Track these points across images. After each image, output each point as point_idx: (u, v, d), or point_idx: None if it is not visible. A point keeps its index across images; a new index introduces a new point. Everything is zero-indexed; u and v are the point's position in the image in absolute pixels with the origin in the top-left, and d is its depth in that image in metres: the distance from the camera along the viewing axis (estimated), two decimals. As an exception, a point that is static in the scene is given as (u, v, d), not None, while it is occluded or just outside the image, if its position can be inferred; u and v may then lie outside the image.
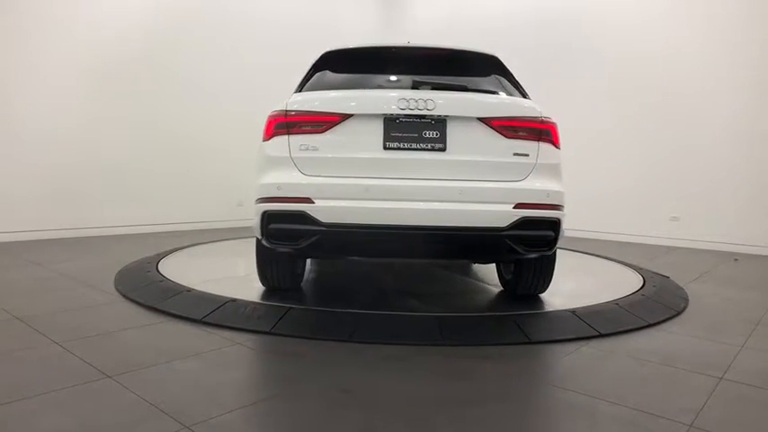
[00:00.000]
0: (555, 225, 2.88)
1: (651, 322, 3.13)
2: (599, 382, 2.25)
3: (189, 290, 3.48)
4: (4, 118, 5.68)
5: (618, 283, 4.05)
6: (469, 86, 3.17)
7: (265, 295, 3.37)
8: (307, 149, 2.86)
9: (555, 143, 2.99)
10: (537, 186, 2.87)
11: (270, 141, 2.96)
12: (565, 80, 7.89)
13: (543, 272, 3.27)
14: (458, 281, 3.96)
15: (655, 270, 4.64)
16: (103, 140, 6.32)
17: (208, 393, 2.05)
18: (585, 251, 5.80)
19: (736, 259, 5.94)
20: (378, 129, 2.84)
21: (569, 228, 6.39)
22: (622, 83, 7.35)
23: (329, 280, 4.12)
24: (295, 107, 2.93)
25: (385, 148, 2.83)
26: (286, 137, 2.90)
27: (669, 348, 2.73)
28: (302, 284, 3.68)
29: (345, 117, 2.86)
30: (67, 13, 6.06)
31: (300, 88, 3.25)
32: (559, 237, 2.94)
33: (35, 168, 5.87)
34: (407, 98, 2.84)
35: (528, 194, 2.83)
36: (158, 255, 4.67)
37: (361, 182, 2.79)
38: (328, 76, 3.30)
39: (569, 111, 7.81)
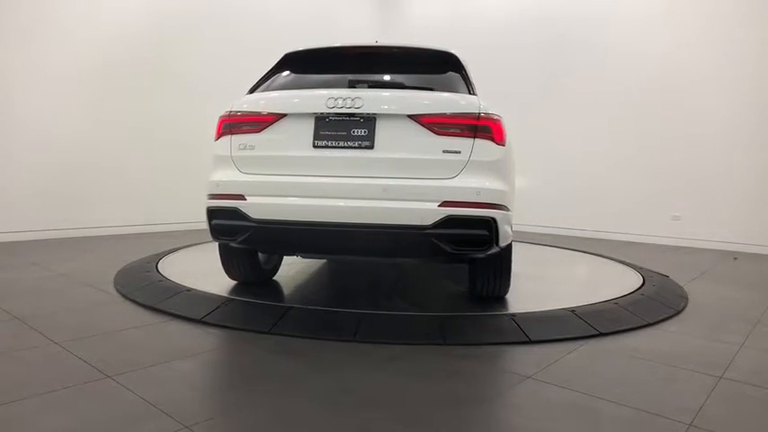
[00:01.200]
0: (488, 224, 2.73)
1: (651, 321, 3.13)
2: (599, 382, 2.25)
3: (188, 289, 3.48)
4: (3, 118, 5.68)
5: (617, 283, 4.05)
6: (415, 84, 3.09)
7: (265, 295, 3.37)
8: (245, 149, 2.97)
9: (496, 140, 2.84)
10: (467, 184, 2.73)
11: (217, 141, 3.10)
12: (565, 79, 7.89)
13: (497, 273, 3.17)
14: (457, 281, 3.96)
15: (654, 269, 4.64)
16: (103, 141, 6.32)
17: (207, 393, 2.05)
18: (586, 250, 5.81)
19: (735, 258, 5.95)
20: (309, 128, 2.89)
21: (571, 227, 6.41)
22: (623, 82, 7.36)
23: (328, 279, 4.12)
24: (237, 108, 3.05)
25: (314, 146, 2.87)
26: (229, 137, 3.03)
27: (669, 347, 2.74)
28: (301, 283, 3.68)
29: (280, 117, 2.93)
30: (67, 13, 6.06)
31: (253, 90, 3.28)
32: (499, 237, 2.78)
33: (34, 168, 5.86)
34: (336, 97, 2.86)
35: (455, 192, 2.72)
36: (158, 254, 4.67)
37: (290, 179, 2.85)
38: (283, 77, 3.35)
39: (569, 109, 7.83)
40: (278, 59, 3.45)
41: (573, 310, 3.10)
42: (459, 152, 2.76)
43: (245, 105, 3.05)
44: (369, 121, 2.84)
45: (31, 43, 5.81)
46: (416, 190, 2.73)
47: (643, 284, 3.91)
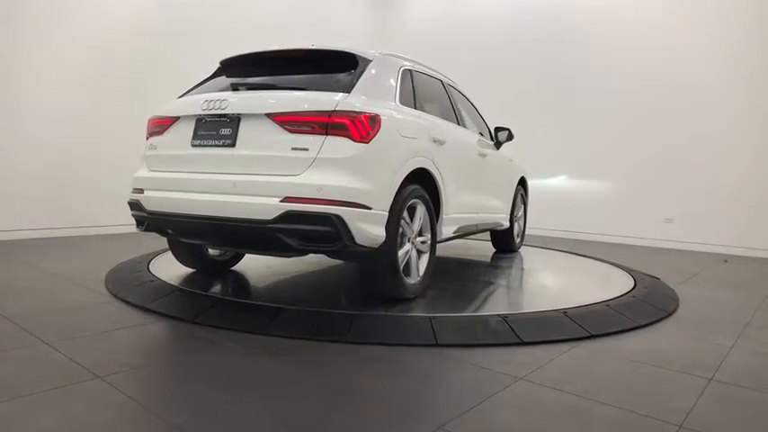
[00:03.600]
0: (330, 221, 2.72)
1: (642, 323, 3.15)
2: (590, 383, 2.26)
3: (180, 290, 3.46)
4: (1, 116, 5.64)
5: (609, 285, 4.07)
6: (304, 84, 3.15)
7: (257, 295, 3.36)
8: (153, 149, 3.35)
9: (354, 137, 2.82)
10: (309, 181, 2.76)
11: (146, 142, 3.45)
12: (559, 83, 7.93)
13: (379, 272, 3.12)
14: (449, 283, 3.96)
15: (646, 271, 4.66)
16: (95, 140, 6.27)
17: (198, 394, 2.04)
18: (577, 252, 5.83)
19: (725, 261, 5.99)
20: (191, 128, 3.14)
21: (561, 229, 6.41)
22: (616, 87, 7.40)
23: (320, 280, 4.11)
24: (154, 113, 3.41)
25: (192, 145, 3.12)
26: (148, 139, 3.42)
27: (659, 349, 2.75)
28: (293, 284, 3.66)
29: (175, 120, 3.25)
30: (67, 12, 6.04)
31: (182, 96, 3.52)
32: (353, 235, 2.77)
33: (25, 167, 5.82)
34: (209, 100, 3.09)
35: (297, 189, 2.76)
36: (149, 254, 4.65)
37: (172, 175, 3.17)
38: (209, 83, 3.55)
39: (563, 113, 7.87)
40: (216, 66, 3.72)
41: (565, 312, 3.11)
42: (308, 149, 2.81)
43: (158, 110, 3.39)
44: (234, 121, 3.00)
45: (31, 42, 5.77)
46: (261, 186, 2.84)
47: (634, 287, 3.93)
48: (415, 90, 3.66)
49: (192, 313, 2.98)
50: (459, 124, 4.29)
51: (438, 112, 4.04)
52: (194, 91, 3.50)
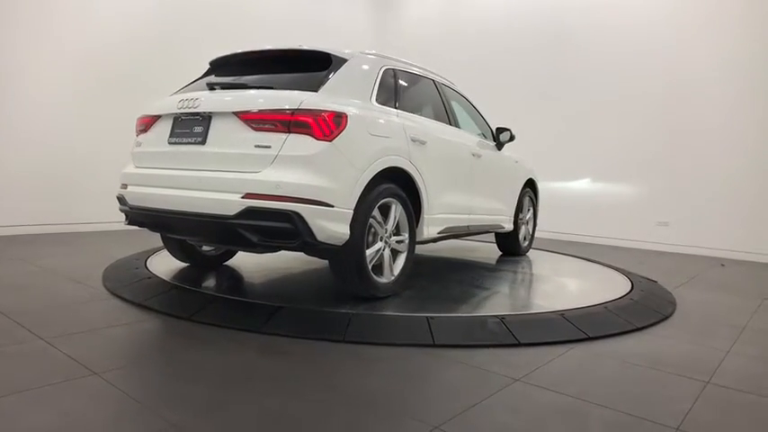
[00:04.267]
0: (289, 217, 2.76)
1: (639, 326, 3.15)
2: (587, 385, 2.26)
3: (177, 287, 3.45)
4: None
5: (607, 287, 4.07)
6: (277, 83, 3.17)
7: (254, 293, 3.36)
8: (138, 146, 3.47)
9: (316, 135, 2.86)
10: (269, 178, 2.80)
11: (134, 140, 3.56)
12: (558, 85, 7.93)
13: (348, 270, 3.13)
14: (449, 284, 3.96)
15: (643, 274, 4.67)
16: (93, 136, 6.26)
17: (194, 391, 2.03)
18: (575, 255, 5.83)
19: (722, 264, 6.01)
20: (169, 126, 3.25)
21: (559, 231, 6.40)
22: (612, 90, 7.40)
23: (318, 278, 4.10)
24: (142, 112, 3.51)
25: (168, 143, 3.23)
26: (136, 136, 3.53)
27: (656, 352, 2.75)
28: (292, 282, 3.66)
29: (156, 118, 3.37)
30: (65, 10, 6.03)
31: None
32: (313, 232, 2.80)
33: (23, 163, 5.81)
34: (184, 99, 3.19)
35: (257, 185, 2.81)
36: (147, 251, 4.64)
37: (150, 171, 3.28)
38: (199, 82, 3.62)
39: (560, 115, 7.87)
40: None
41: (562, 314, 3.11)
42: (270, 147, 2.85)
43: (145, 109, 3.50)
44: (205, 119, 3.09)
45: (29, 40, 5.76)
46: (226, 182, 2.90)
47: (632, 289, 3.94)
48: (397, 89, 3.66)
49: (190, 311, 2.97)
50: (451, 124, 4.24)
51: (426, 112, 4.05)
52: (182, 90, 3.56)
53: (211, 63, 3.80)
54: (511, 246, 5.47)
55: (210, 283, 3.82)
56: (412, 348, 2.64)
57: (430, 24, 9.37)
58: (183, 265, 4.12)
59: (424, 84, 4.19)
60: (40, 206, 5.92)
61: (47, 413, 1.80)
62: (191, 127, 3.14)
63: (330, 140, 2.88)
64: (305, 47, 3.39)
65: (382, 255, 3.29)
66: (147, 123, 3.43)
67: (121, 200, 3.43)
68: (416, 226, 3.57)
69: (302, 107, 2.87)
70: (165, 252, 4.59)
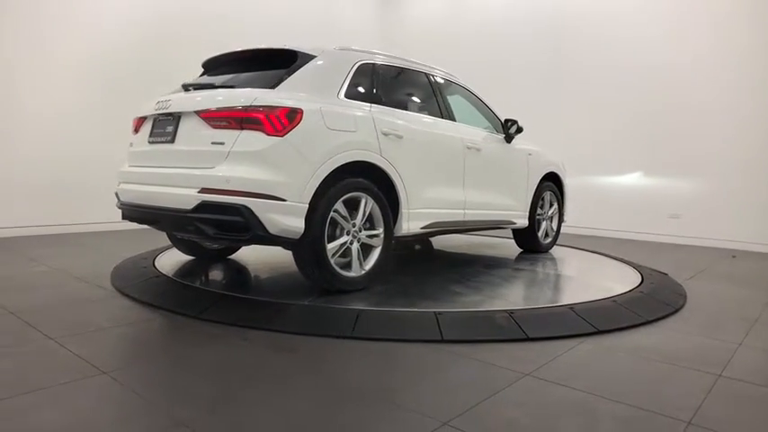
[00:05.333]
0: (238, 211, 2.84)
1: (649, 319, 3.12)
2: (597, 379, 2.24)
3: (185, 285, 3.46)
4: (4, 114, 5.67)
5: (616, 280, 4.04)
6: (249, 81, 3.29)
7: (262, 291, 3.36)
8: (131, 146, 3.65)
9: (268, 131, 2.93)
10: (221, 173, 2.91)
11: None
12: (564, 77, 7.87)
13: (307, 263, 3.17)
14: (458, 279, 3.95)
15: (653, 267, 4.63)
16: (102, 137, 6.28)
17: (203, 389, 2.03)
18: (584, 248, 5.80)
19: (734, 256, 5.95)
20: (150, 127, 3.46)
21: (568, 224, 6.36)
22: (622, 80, 7.34)
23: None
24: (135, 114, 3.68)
25: (149, 142, 3.42)
26: (131, 136, 3.71)
27: (667, 345, 2.73)
28: (297, 279, 3.64)
29: (144, 119, 3.54)
30: (71, 11, 6.06)
31: None
32: (264, 225, 2.87)
33: (32, 164, 5.85)
34: (160, 100, 3.39)
35: (211, 180, 2.93)
36: (155, 250, 4.66)
37: (135, 169, 3.48)
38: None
39: (569, 107, 7.82)
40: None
41: (572, 308, 3.09)
42: (224, 143, 2.96)
43: (137, 111, 3.68)
44: (176, 119, 3.24)
45: (34, 41, 5.79)
46: (186, 178, 3.04)
47: (642, 282, 3.90)
48: (374, 84, 3.65)
49: (197, 309, 2.98)
50: (444, 117, 4.16)
51: (411, 106, 4.02)
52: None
53: (203, 64, 3.90)
54: (529, 242, 5.29)
55: (218, 280, 3.83)
56: (420, 344, 2.63)
57: (432, 20, 9.32)
58: (191, 263, 4.14)
59: (412, 77, 4.14)
60: (48, 207, 5.96)
61: (57, 412, 1.80)
62: (164, 127, 3.31)
63: (282, 136, 2.95)
64: (273, 46, 3.46)
65: (351, 249, 3.31)
66: (137, 125, 3.62)
67: (117, 196, 3.61)
68: (396, 221, 3.57)
69: (254, 104, 2.96)
70: (173, 251, 4.62)
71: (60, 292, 3.44)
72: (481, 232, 5.85)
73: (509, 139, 4.77)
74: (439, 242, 5.78)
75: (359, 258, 3.36)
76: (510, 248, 5.49)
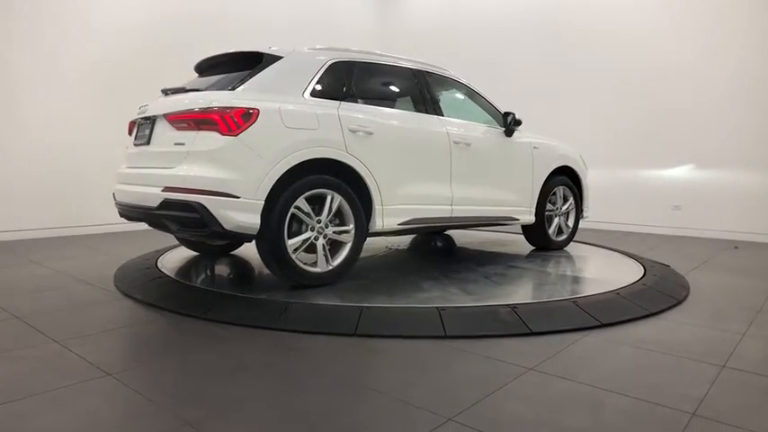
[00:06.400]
0: (193, 208, 2.99)
1: (652, 311, 3.12)
2: (601, 372, 2.24)
3: (189, 286, 3.47)
4: (4, 118, 5.68)
5: (619, 273, 4.04)
6: (219, 84, 3.44)
7: (266, 290, 3.36)
8: (127, 148, 3.79)
9: (222, 131, 3.04)
10: (179, 172, 3.09)
11: None
12: (566, 70, 7.85)
13: (268, 256, 3.26)
14: (463, 274, 3.95)
15: (655, 259, 4.63)
16: (102, 139, 6.27)
17: (209, 389, 2.04)
18: (586, 241, 5.79)
19: (736, 247, 5.94)
20: (136, 130, 3.68)
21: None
22: (623, 72, 7.32)
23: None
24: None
25: (134, 144, 3.64)
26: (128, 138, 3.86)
27: (671, 337, 2.73)
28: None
29: (134, 122, 3.74)
30: (70, 16, 6.07)
31: None
32: (219, 222, 2.99)
33: (34, 167, 5.86)
34: (142, 105, 3.63)
35: (171, 179, 3.11)
36: (157, 251, 4.66)
37: (125, 170, 3.66)
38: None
39: (570, 100, 7.81)
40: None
41: (574, 301, 3.09)
42: (184, 144, 3.14)
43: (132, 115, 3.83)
44: (152, 122, 3.46)
45: (34, 46, 5.79)
46: (154, 177, 3.23)
47: (644, 274, 3.90)
48: (347, 82, 3.67)
49: (201, 309, 2.99)
50: (430, 113, 4.08)
51: (390, 103, 4.02)
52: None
53: (195, 68, 3.99)
54: (539, 239, 5.10)
55: (221, 279, 3.83)
56: (423, 340, 2.63)
57: (432, 16, 9.29)
58: (193, 263, 4.14)
59: (395, 74, 4.12)
60: (49, 209, 5.97)
61: (63, 414, 1.81)
62: (144, 130, 3.53)
63: (235, 135, 3.05)
64: (243, 49, 3.58)
65: (317, 245, 3.35)
66: (131, 128, 3.82)
67: (114, 196, 3.75)
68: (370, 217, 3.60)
69: (211, 106, 3.09)
70: (175, 251, 4.64)
71: (64, 294, 3.45)
72: (498, 229, 5.80)
73: (509, 132, 4.61)
74: (457, 239, 5.78)
75: (325, 254, 3.40)
76: (518, 245, 5.47)
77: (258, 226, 3.09)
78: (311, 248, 3.38)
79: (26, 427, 1.72)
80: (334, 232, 3.43)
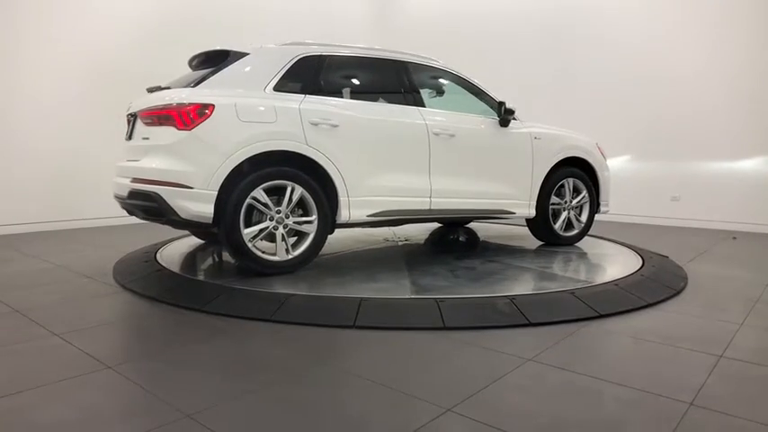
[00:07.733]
0: (151, 198, 3.24)
1: (651, 302, 3.13)
2: (599, 363, 2.25)
3: (188, 279, 3.47)
4: (4, 110, 5.67)
5: (617, 264, 4.05)
6: (194, 82, 3.52)
7: (265, 283, 3.37)
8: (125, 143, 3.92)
9: (178, 126, 3.22)
10: (140, 164, 3.38)
11: None
12: (565, 65, 7.83)
13: (222, 242, 3.48)
14: (461, 266, 3.95)
15: (654, 250, 4.64)
16: (101, 133, 6.26)
17: (208, 382, 2.05)
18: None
19: (734, 238, 5.95)
20: (127, 125, 3.83)
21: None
22: (623, 66, 7.30)
23: (326, 265, 4.11)
24: None
25: (125, 139, 3.80)
26: None
27: (669, 327, 2.74)
28: (303, 271, 3.66)
29: (128, 118, 3.85)
30: (68, 13, 6.05)
31: None
32: (175, 210, 3.18)
33: (32, 162, 5.85)
34: (129, 102, 3.82)
35: (136, 171, 3.40)
36: (156, 244, 4.66)
37: (117, 164, 3.80)
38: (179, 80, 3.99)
39: (571, 95, 7.79)
40: None
41: (572, 292, 3.10)
42: (148, 138, 3.41)
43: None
44: (134, 118, 3.65)
45: (35, 36, 5.77)
46: (128, 170, 3.51)
47: (643, 265, 3.91)
48: (314, 75, 3.71)
49: (200, 302, 2.99)
50: (410, 104, 4.01)
51: (362, 95, 4.01)
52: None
53: (188, 63, 4.09)
54: (544, 234, 4.85)
55: (220, 273, 3.84)
56: (423, 332, 2.64)
57: (428, 18, 9.25)
58: (193, 256, 4.15)
59: (370, 66, 4.09)
60: (47, 203, 5.97)
61: (64, 407, 1.82)
62: (130, 126, 3.75)
63: (189, 129, 3.21)
64: (216, 48, 3.72)
65: (276, 234, 3.44)
66: (127, 122, 3.94)
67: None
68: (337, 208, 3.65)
69: (170, 102, 3.30)
70: (175, 245, 4.64)
71: (63, 288, 3.46)
72: (508, 222, 5.73)
73: (505, 122, 4.42)
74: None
75: (284, 243, 3.48)
76: (525, 238, 5.47)
77: (212, 215, 3.23)
78: (273, 238, 3.48)
79: (26, 420, 1.73)
80: (295, 222, 3.49)
